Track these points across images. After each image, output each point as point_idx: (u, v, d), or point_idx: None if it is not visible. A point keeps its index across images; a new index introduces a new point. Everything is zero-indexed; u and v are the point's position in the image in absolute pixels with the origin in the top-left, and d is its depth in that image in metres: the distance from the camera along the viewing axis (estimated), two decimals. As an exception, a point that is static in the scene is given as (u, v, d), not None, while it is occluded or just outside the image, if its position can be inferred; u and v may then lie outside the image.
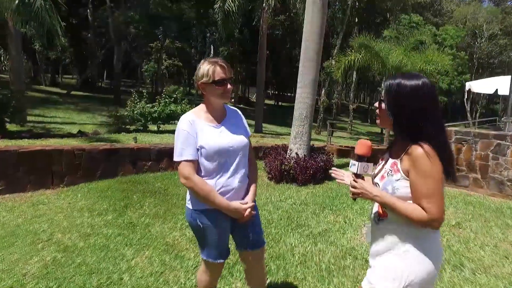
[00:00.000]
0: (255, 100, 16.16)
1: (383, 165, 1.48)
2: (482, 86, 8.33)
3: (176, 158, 1.79)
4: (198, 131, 1.79)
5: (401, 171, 1.34)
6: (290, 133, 6.57)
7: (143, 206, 4.47)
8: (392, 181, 1.38)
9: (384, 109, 1.38)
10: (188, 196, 1.88)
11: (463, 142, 5.56)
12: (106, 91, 23.16)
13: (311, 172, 5.74)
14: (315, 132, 18.68)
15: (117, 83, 20.41)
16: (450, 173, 1.32)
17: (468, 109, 34.76)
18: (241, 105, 29.10)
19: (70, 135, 7.50)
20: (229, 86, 1.80)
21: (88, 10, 22.48)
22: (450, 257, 3.22)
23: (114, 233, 3.61)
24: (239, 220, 1.85)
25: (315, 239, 3.59)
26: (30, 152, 4.91)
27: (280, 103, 37.41)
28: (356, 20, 23.09)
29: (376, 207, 1.50)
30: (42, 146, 5.22)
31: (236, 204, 1.82)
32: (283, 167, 5.76)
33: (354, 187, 1.45)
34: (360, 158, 1.48)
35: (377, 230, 1.48)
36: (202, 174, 1.81)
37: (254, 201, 1.91)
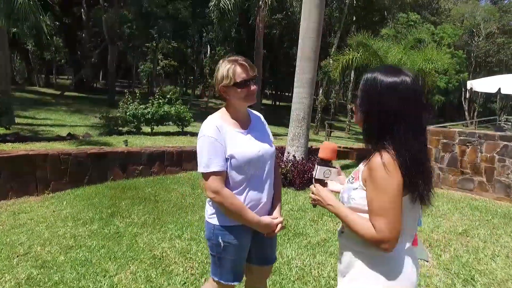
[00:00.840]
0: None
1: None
2: (484, 84, 8.11)
3: (202, 169, 1.58)
4: (227, 138, 1.59)
5: (360, 180, 1.19)
6: (287, 133, 6.34)
7: (131, 214, 4.22)
8: (349, 189, 1.23)
9: (358, 105, 1.21)
10: (210, 210, 1.69)
11: (467, 144, 5.33)
12: (102, 91, 22.81)
13: (309, 175, 5.50)
14: (313, 132, 18.45)
15: (111, 83, 20.08)
16: (416, 191, 1.11)
17: (466, 108, 34.74)
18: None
19: (59, 138, 7.24)
20: (253, 86, 1.61)
21: (82, 10, 22.15)
22: (459, 270, 2.98)
23: (98, 245, 3.36)
24: (266, 235, 1.69)
25: (313, 250, 3.35)
26: (12, 157, 4.64)
27: (278, 103, 37.18)
28: (354, 18, 22.90)
29: None
30: (26, 151, 4.96)
31: (267, 219, 1.67)
32: (279, 171, 5.52)
33: (312, 192, 1.35)
34: (322, 162, 1.36)
35: (340, 243, 1.34)
36: (230, 186, 1.62)
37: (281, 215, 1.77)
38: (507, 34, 33.57)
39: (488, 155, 5.12)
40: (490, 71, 32.58)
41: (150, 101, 9.32)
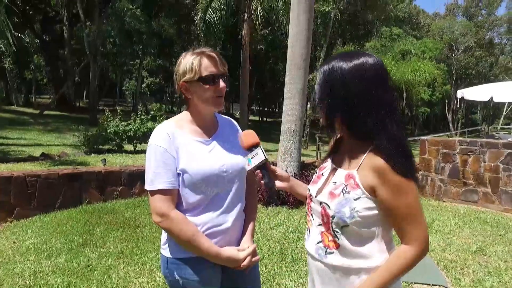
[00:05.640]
0: (239, 117, 15.63)
1: (328, 177, 1.10)
2: (475, 93, 8.04)
3: (147, 186, 1.26)
4: (180, 149, 1.27)
5: (362, 187, 0.99)
6: (276, 148, 5.97)
7: (106, 242, 3.71)
8: (349, 200, 1.00)
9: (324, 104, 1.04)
10: (163, 239, 1.36)
11: (469, 153, 5.05)
12: (85, 111, 22.08)
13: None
14: (302, 146, 18.14)
15: (93, 101, 19.45)
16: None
17: (450, 119, 35.42)
18: (226, 121, 28.47)
19: (31, 159, 6.64)
20: (222, 84, 1.28)
21: (64, 27, 21.68)
22: (486, 297, 2.59)
23: (62, 284, 2.84)
24: (234, 268, 1.33)
25: (316, 278, 2.91)
26: (-31, 182, 4.09)
27: (265, 119, 37.11)
28: (339, 32, 23.22)
29: (316, 234, 1.09)
30: (-14, 174, 4.40)
31: (229, 251, 1.30)
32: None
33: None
34: (253, 149, 1.23)
35: (327, 266, 1.06)
36: (183, 208, 1.29)
37: (253, 243, 1.40)
38: (484, 48, 34.86)
39: (492, 164, 4.84)
40: (470, 83, 33.46)
41: (132, 117, 8.86)
